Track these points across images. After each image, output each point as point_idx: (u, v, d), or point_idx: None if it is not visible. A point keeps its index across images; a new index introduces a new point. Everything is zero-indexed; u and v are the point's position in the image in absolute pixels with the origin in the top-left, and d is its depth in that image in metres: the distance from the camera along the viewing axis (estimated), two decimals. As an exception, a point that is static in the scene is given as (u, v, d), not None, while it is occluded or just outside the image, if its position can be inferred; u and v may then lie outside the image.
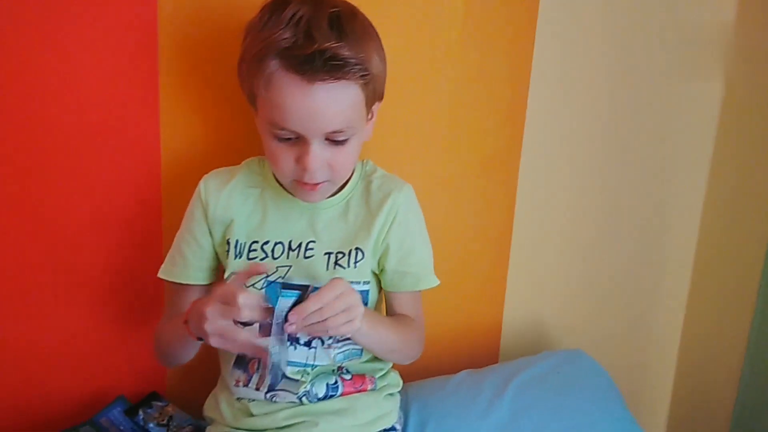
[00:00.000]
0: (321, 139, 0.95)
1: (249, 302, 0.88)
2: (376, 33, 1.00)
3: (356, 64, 0.92)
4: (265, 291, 1.02)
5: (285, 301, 0.97)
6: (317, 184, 0.99)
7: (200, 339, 0.93)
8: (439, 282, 1.12)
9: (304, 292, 0.96)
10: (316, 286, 0.94)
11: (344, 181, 1.06)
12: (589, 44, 1.39)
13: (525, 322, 1.50)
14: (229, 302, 0.88)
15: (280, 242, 1.05)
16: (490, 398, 1.22)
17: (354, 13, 0.98)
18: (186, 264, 1.07)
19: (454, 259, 1.38)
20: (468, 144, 1.35)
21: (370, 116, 1.03)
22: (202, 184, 1.08)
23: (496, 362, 1.44)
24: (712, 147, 1.55)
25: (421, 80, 1.28)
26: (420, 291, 1.12)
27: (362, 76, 0.93)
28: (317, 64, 0.89)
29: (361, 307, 0.93)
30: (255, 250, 1.05)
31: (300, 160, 0.96)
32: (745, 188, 1.53)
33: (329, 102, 0.92)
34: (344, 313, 0.90)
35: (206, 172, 1.09)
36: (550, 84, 1.37)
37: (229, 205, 1.06)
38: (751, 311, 1.51)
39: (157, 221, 1.17)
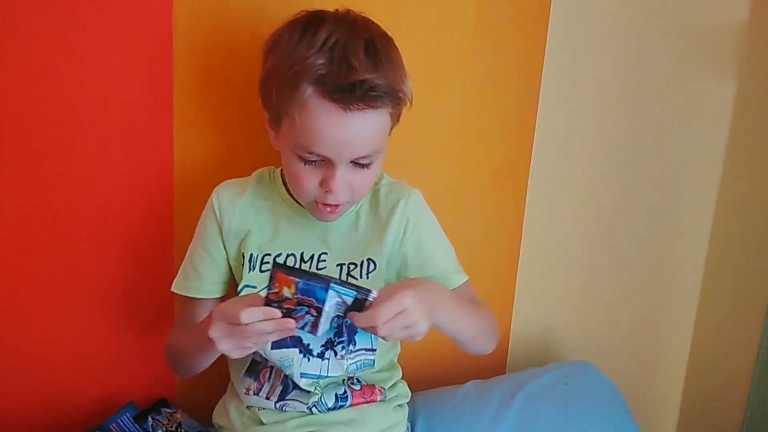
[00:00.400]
0: (347, 163, 0.95)
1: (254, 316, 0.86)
2: (401, 57, 1.00)
3: (391, 94, 0.93)
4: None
5: (336, 296, 0.90)
6: (338, 205, 0.99)
7: None
8: (467, 277, 1.11)
9: (358, 293, 0.89)
10: (373, 292, 0.89)
11: (360, 200, 1.05)
12: (600, 50, 1.38)
13: (533, 333, 1.50)
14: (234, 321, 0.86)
15: (292, 254, 1.05)
16: (497, 409, 1.23)
17: (387, 39, 0.98)
18: (199, 278, 1.07)
19: (463, 269, 1.37)
20: (478, 152, 1.34)
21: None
22: (214, 197, 1.07)
23: (504, 373, 1.44)
24: (725, 149, 1.54)
25: (432, 87, 1.28)
26: (466, 283, 1.11)
27: (395, 105, 0.95)
28: (356, 93, 0.90)
29: (424, 325, 0.89)
30: (268, 262, 1.05)
31: (325, 182, 0.96)
32: (757, 191, 1.51)
33: (362, 129, 0.93)
34: (404, 330, 0.88)
35: (219, 180, 1.09)
36: (560, 91, 1.37)
37: (244, 217, 1.06)
38: (761, 323, 1.49)
39: (169, 229, 1.17)
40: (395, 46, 0.98)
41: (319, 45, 0.91)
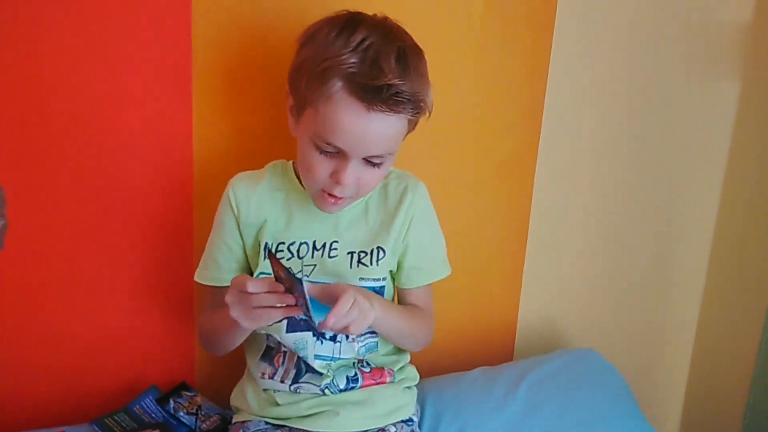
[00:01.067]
0: (360, 159, 0.99)
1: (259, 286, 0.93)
2: (427, 69, 1.03)
3: (413, 102, 0.96)
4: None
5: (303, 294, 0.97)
6: (342, 198, 1.02)
7: None
8: (450, 271, 1.16)
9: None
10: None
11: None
12: (606, 47, 1.40)
13: (539, 322, 1.52)
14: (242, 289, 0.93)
15: (305, 242, 1.08)
16: (504, 394, 1.26)
17: (419, 50, 1.01)
18: (218, 268, 1.11)
19: (471, 261, 1.40)
20: (485, 146, 1.36)
21: None
22: (230, 190, 1.10)
23: (511, 360, 1.47)
24: (729, 147, 1.56)
25: (440, 83, 1.25)
26: (431, 284, 1.16)
27: (416, 113, 0.98)
28: (382, 96, 0.93)
29: (372, 311, 0.97)
30: (282, 251, 1.08)
31: (336, 174, 0.99)
32: (761, 188, 1.53)
33: (381, 130, 0.97)
34: (361, 317, 0.95)
35: (236, 172, 1.12)
36: (566, 87, 1.39)
37: (261, 208, 1.09)
38: (764, 314, 1.51)
39: (189, 220, 1.20)
40: (424, 58, 1.02)
41: (354, 45, 0.95)
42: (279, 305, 0.93)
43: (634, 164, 1.51)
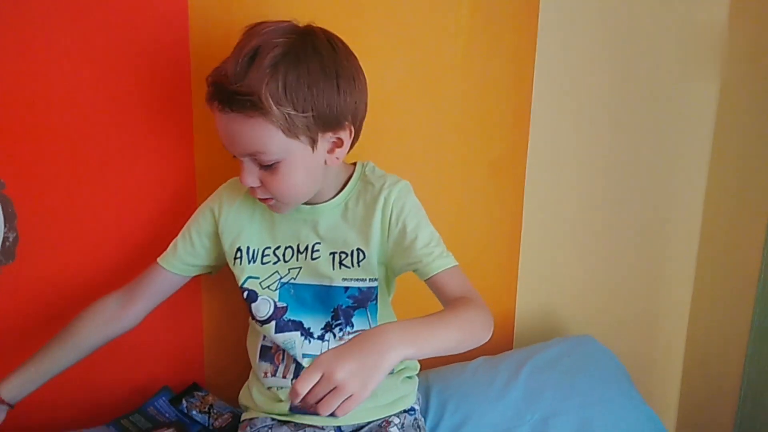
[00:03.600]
0: (249, 161, 1.01)
1: None
2: (328, 67, 0.98)
3: (246, 100, 0.94)
4: (279, 292, 1.10)
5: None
6: (265, 200, 1.05)
7: None
8: (455, 263, 1.07)
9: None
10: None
11: (295, 201, 1.07)
12: (588, 50, 1.43)
13: (536, 313, 1.55)
14: None
15: (289, 246, 1.10)
16: (506, 381, 1.29)
17: (274, 46, 0.96)
18: (175, 254, 1.14)
19: (467, 256, 1.37)
20: (476, 146, 1.39)
21: (331, 144, 1.03)
22: (217, 193, 1.14)
23: (511, 349, 1.49)
24: (711, 144, 1.59)
25: (430, 88, 1.32)
26: (453, 268, 1.06)
27: (258, 110, 0.94)
28: (219, 97, 0.97)
29: (354, 384, 0.79)
30: (268, 255, 1.11)
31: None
32: (743, 182, 1.56)
33: (236, 129, 0.97)
34: (333, 395, 0.79)
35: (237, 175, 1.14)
36: (552, 89, 1.42)
37: (239, 217, 1.12)
38: (752, 298, 1.54)
39: None
40: (287, 53, 0.96)
41: (231, 53, 0.98)
42: None
43: (621, 159, 1.54)
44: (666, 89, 1.52)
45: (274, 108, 0.95)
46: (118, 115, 1.16)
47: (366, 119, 1.09)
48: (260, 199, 1.06)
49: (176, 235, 1.18)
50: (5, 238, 1.15)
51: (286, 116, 0.96)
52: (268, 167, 1.00)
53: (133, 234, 1.22)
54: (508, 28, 1.35)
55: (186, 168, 1.21)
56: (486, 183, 1.43)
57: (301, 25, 1.03)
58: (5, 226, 1.14)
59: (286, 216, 1.11)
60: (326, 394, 0.79)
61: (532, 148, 1.44)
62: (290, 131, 0.97)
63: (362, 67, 1.06)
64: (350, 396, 0.79)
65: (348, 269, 1.08)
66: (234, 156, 1.02)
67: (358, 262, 1.08)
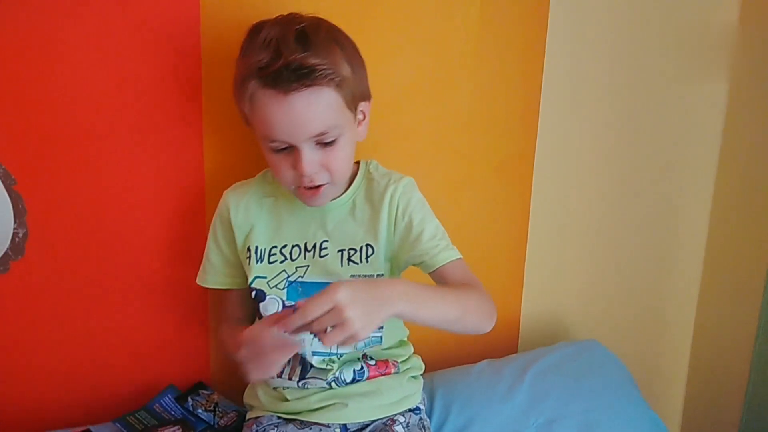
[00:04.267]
0: (310, 144, 1.00)
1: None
2: (347, 40, 1.05)
3: (323, 69, 0.97)
4: (286, 291, 1.10)
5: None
6: (318, 187, 1.04)
7: None
8: (459, 256, 1.09)
9: None
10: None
11: (345, 180, 1.09)
12: (597, 50, 1.43)
13: (542, 316, 1.54)
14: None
15: (296, 245, 1.11)
16: (510, 384, 1.28)
17: (319, 24, 1.02)
18: (215, 271, 1.16)
19: (473, 257, 1.37)
20: (484, 147, 1.39)
21: (362, 117, 1.07)
22: (223, 198, 1.15)
23: (515, 352, 1.49)
24: (719, 145, 1.58)
25: (438, 88, 1.33)
26: (458, 260, 1.08)
27: (332, 79, 0.98)
28: (289, 75, 0.96)
29: (357, 323, 0.83)
30: (275, 254, 1.11)
31: (296, 166, 1.01)
32: (751, 184, 1.55)
33: (306, 108, 0.98)
34: (338, 330, 0.84)
35: (247, 177, 1.16)
36: (560, 90, 1.41)
37: (248, 214, 1.13)
38: (759, 304, 1.53)
39: (201, 224, 1.23)
40: (334, 29, 1.03)
41: (258, 47, 0.99)
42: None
43: (629, 161, 1.53)
44: (675, 90, 1.52)
45: (344, 74, 1.00)
46: (128, 113, 1.17)
47: (374, 118, 1.10)
48: (310, 189, 1.04)
49: (184, 233, 1.19)
50: (15, 234, 1.15)
51: (350, 84, 1.01)
52: (328, 145, 1.01)
53: (142, 231, 1.22)
54: (517, 28, 1.36)
55: (195, 166, 1.22)
56: (493, 184, 1.43)
57: None
58: (15, 221, 1.15)
59: (293, 215, 1.11)
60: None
61: (539, 150, 1.44)
62: (351, 101, 1.02)
63: (370, 66, 1.09)
64: (350, 336, 0.84)
65: (356, 265, 1.09)
66: (278, 150, 1.01)
67: (367, 257, 1.09)
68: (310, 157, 1.01)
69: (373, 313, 0.86)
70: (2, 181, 1.13)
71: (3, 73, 1.09)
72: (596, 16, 1.42)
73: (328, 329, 0.85)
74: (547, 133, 1.44)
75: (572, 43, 1.41)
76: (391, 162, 1.17)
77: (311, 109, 0.98)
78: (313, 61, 0.96)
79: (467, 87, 1.35)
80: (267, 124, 1.00)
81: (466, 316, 1.00)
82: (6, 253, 1.16)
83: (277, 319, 0.88)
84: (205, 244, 1.21)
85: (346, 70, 1.01)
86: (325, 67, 0.97)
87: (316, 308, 0.83)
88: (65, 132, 1.15)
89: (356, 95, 1.04)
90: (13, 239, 1.15)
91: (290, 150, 1.01)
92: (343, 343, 0.85)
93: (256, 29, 1.02)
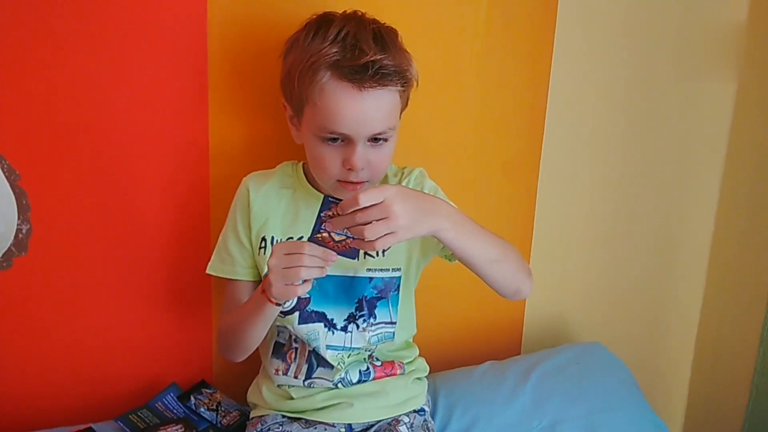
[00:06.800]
0: (365, 141, 1.02)
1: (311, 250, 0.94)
2: (404, 45, 1.08)
3: (399, 73, 1.01)
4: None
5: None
6: (360, 183, 1.05)
7: (278, 304, 0.99)
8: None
9: None
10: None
11: (380, 180, 1.10)
12: (605, 51, 1.43)
13: (545, 318, 1.55)
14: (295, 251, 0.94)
15: None
16: (514, 386, 1.29)
17: (392, 29, 1.06)
18: (234, 262, 1.14)
19: None
20: (491, 147, 1.39)
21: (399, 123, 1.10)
22: (243, 185, 1.14)
23: (519, 354, 1.50)
24: (726, 146, 1.58)
25: (447, 87, 1.33)
26: None
27: (402, 84, 1.02)
28: (369, 73, 0.98)
29: (403, 220, 0.88)
30: None
31: (346, 161, 1.02)
32: (758, 186, 1.56)
33: (376, 107, 1.00)
34: (382, 223, 0.88)
35: (251, 172, 1.16)
36: (567, 89, 1.42)
37: (266, 204, 1.13)
38: (764, 306, 1.54)
39: (205, 221, 1.23)
40: (399, 36, 1.07)
41: (332, 38, 1.00)
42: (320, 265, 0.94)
43: (635, 162, 1.54)
44: (683, 90, 1.52)
45: (411, 82, 1.05)
46: (133, 109, 1.17)
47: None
48: (352, 184, 1.04)
49: (189, 229, 1.18)
50: (19, 230, 1.15)
51: (408, 91, 1.06)
52: (379, 145, 1.03)
53: (146, 229, 1.22)
54: (526, 29, 1.36)
55: (200, 164, 1.22)
56: (499, 183, 1.43)
57: None
58: (19, 217, 1.15)
59: (311, 209, 1.10)
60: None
61: (546, 150, 1.44)
62: (403, 107, 1.08)
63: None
64: (392, 232, 0.88)
65: (372, 259, 1.10)
66: (330, 142, 1.02)
67: (384, 251, 1.10)
68: (362, 154, 1.02)
69: (419, 219, 0.91)
70: (6, 177, 1.13)
71: (8, 69, 1.09)
72: (604, 16, 1.42)
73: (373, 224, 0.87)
74: (553, 134, 1.44)
75: (580, 43, 1.41)
76: (400, 160, 1.18)
77: (380, 108, 1.01)
78: (392, 63, 1.00)
79: (475, 87, 1.35)
80: (333, 116, 1.00)
81: (506, 261, 1.03)
82: (9, 249, 1.16)
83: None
84: (210, 243, 1.21)
85: (413, 77, 1.05)
86: (400, 71, 1.01)
87: (367, 197, 0.88)
88: (69, 128, 1.14)
89: (405, 103, 1.08)
90: (16, 235, 1.15)
91: (342, 144, 1.02)
92: (383, 240, 0.88)
93: (325, 21, 1.03)
